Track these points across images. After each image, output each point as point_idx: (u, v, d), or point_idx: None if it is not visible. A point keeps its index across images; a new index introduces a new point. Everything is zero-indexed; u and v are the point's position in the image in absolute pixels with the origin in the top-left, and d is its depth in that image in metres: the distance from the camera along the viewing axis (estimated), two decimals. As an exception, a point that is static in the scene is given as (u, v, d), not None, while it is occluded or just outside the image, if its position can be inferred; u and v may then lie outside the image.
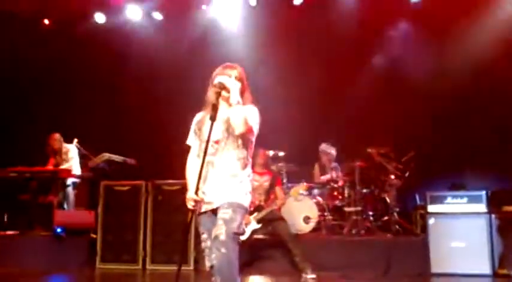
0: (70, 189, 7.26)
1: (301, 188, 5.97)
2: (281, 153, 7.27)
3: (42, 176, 7.14)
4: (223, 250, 2.85)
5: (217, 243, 2.88)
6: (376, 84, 7.82)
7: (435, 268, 5.61)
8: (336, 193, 7.05)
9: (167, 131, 7.59)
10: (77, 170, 7.40)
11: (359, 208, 6.71)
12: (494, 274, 5.46)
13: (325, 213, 6.84)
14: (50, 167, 7.39)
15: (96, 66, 8.69)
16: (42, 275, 6.00)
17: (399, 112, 7.77)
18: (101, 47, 8.53)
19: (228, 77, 3.04)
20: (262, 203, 5.89)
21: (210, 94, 3.10)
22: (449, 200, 5.82)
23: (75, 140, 7.40)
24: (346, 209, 6.84)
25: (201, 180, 2.96)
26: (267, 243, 6.03)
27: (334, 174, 7.23)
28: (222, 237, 2.87)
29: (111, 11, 8.65)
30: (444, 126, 7.63)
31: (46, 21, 8.93)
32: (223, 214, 2.94)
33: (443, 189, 6.45)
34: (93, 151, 7.32)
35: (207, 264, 2.99)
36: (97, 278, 6.11)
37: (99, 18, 8.75)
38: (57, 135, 7.42)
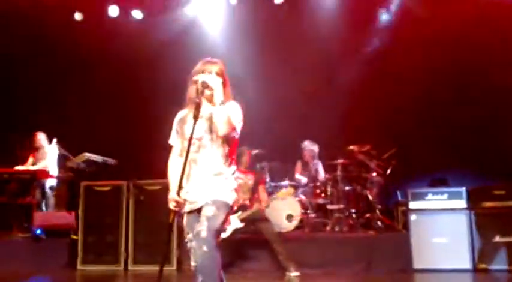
0: (49, 190, 7.17)
1: (288, 193, 5.98)
2: (264, 152, 7.27)
3: (21, 177, 7.03)
4: (204, 248, 2.81)
5: (199, 241, 2.85)
6: (358, 81, 7.85)
7: (417, 264, 5.66)
8: (318, 191, 7.07)
9: (148, 130, 7.52)
10: (55, 170, 7.30)
11: (341, 206, 6.74)
12: (475, 269, 5.54)
13: (308, 211, 6.86)
14: (28, 165, 7.29)
15: (75, 66, 8.55)
16: (22, 277, 5.87)
17: (381, 109, 7.83)
18: (79, 45, 8.38)
19: (210, 75, 3.00)
20: (246, 202, 5.87)
21: (191, 91, 3.06)
22: (430, 196, 5.87)
23: (54, 140, 7.29)
24: (329, 206, 6.86)
25: (184, 178, 2.93)
26: (250, 242, 6.02)
27: (313, 175, 7.26)
28: (204, 233, 2.84)
29: (90, 9, 8.51)
30: (425, 124, 7.70)
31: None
32: (207, 211, 2.91)
33: (425, 186, 6.52)
34: (73, 151, 7.22)
35: (192, 263, 2.96)
36: (78, 279, 6.01)
37: (78, 16, 8.60)
38: (40, 134, 7.34)
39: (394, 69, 7.82)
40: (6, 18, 8.09)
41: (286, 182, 7.16)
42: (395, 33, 7.85)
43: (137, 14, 8.66)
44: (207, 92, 2.95)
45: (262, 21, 8.29)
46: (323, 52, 8.05)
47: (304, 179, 7.35)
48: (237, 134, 3.08)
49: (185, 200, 2.98)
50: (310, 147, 7.46)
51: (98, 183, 6.44)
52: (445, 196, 5.83)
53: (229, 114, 2.92)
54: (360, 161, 6.91)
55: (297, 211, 6.57)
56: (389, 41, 7.90)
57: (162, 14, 8.48)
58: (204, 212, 2.92)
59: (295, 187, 7.15)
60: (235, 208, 5.60)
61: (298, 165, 7.52)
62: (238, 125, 3.04)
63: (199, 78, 2.98)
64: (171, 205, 2.97)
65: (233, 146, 3.09)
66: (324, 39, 8.03)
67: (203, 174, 2.99)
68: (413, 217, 5.85)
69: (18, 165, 7.29)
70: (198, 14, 8.63)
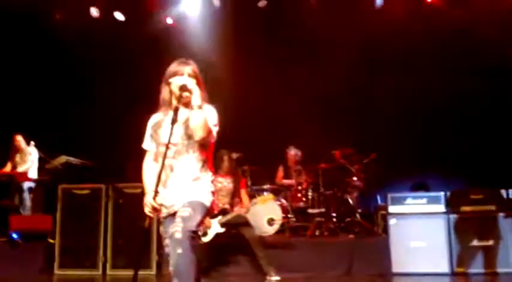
0: (26, 193, 7.04)
1: (268, 198, 5.94)
2: (244, 156, 7.24)
3: (-1, 180, 6.92)
4: (179, 250, 2.75)
5: (173, 242, 2.78)
6: (339, 85, 7.89)
7: (396, 268, 5.69)
8: (299, 195, 7.07)
9: (128, 132, 7.43)
10: (34, 173, 7.18)
11: (322, 210, 6.77)
12: (453, 273, 5.60)
13: (289, 215, 6.86)
14: (7, 169, 7.16)
15: (53, 66, 8.41)
16: (-3, 282, 5.78)
17: (362, 114, 7.88)
18: (58, 45, 8.26)
19: (187, 78, 2.95)
20: (226, 206, 5.84)
21: (165, 93, 3.02)
22: (409, 200, 5.93)
23: (32, 143, 7.18)
24: (310, 210, 6.87)
25: (161, 185, 2.88)
26: (231, 246, 5.98)
27: (295, 179, 7.26)
28: (178, 235, 2.77)
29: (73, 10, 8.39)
30: (406, 128, 7.77)
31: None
32: (182, 212, 2.85)
33: (406, 191, 6.58)
34: (50, 153, 7.13)
35: (170, 268, 2.90)
36: (55, 284, 5.93)
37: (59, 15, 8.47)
38: (20, 135, 7.22)
39: (376, 74, 7.88)
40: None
41: (267, 186, 7.15)
42: (378, 37, 7.87)
43: (119, 16, 8.56)
44: (185, 94, 2.90)
45: (246, 24, 8.27)
46: (304, 55, 8.06)
47: (291, 181, 7.32)
48: (213, 138, 3.03)
49: (161, 205, 2.93)
50: (295, 152, 7.47)
51: (76, 186, 6.36)
52: (424, 200, 5.89)
53: (206, 118, 2.87)
54: (341, 165, 6.95)
55: (278, 215, 6.54)
56: (372, 45, 7.93)
57: (144, 15, 8.40)
58: (179, 213, 2.86)
59: (277, 191, 7.15)
60: (215, 212, 5.60)
61: (280, 170, 7.52)
62: (214, 128, 2.99)
63: (177, 81, 2.93)
64: (147, 210, 2.93)
65: (209, 150, 3.05)
66: (305, 42, 8.06)
67: (180, 180, 2.94)
68: (392, 221, 5.90)
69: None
70: (182, 15, 8.57)
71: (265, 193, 6.96)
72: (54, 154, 7.09)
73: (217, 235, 5.60)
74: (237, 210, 5.75)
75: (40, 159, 7.18)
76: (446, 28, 7.66)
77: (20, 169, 7.14)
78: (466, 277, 5.55)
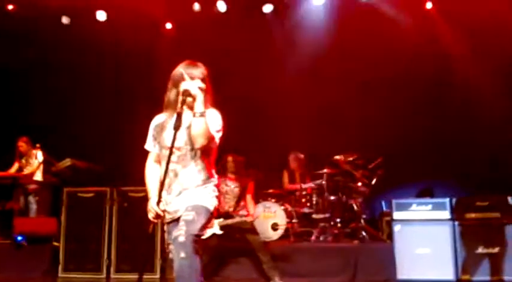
0: (32, 196, 7.05)
1: (270, 216, 5.89)
2: (249, 160, 7.22)
3: (3, 182, 6.93)
4: (182, 254, 2.73)
5: (176, 246, 2.76)
6: (343, 90, 7.88)
7: (401, 274, 5.66)
8: (304, 200, 7.06)
9: (133, 135, 7.43)
10: (39, 175, 7.20)
11: (327, 215, 6.74)
12: (458, 280, 5.56)
13: (293, 220, 6.83)
14: (12, 170, 7.19)
15: (57, 69, 8.43)
16: (2, 285, 5.79)
17: (367, 119, 7.86)
18: (61, 48, 8.28)
19: (193, 81, 2.91)
20: (230, 210, 5.82)
21: (171, 95, 2.99)
22: (414, 207, 5.90)
23: (37, 145, 7.20)
24: (314, 216, 6.86)
25: (164, 189, 2.87)
26: (235, 251, 5.98)
27: (300, 184, 7.24)
28: (181, 238, 2.75)
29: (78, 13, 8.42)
30: (411, 134, 7.74)
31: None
32: (186, 216, 2.84)
33: (411, 197, 6.55)
34: (56, 156, 7.14)
35: (174, 273, 2.89)
36: (59, 287, 5.94)
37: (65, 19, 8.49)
38: (25, 139, 7.23)
39: (381, 79, 7.87)
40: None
41: (271, 191, 7.15)
42: (382, 44, 7.86)
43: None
44: (188, 99, 2.87)
45: (251, 30, 8.27)
46: (309, 61, 8.05)
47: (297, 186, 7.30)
48: (215, 144, 3.00)
49: (165, 211, 2.92)
50: (297, 156, 7.46)
51: (81, 189, 6.37)
52: (429, 207, 5.86)
53: (207, 125, 2.83)
54: (346, 170, 6.92)
55: (282, 220, 6.54)
56: (375, 51, 7.92)
57: (151, 20, 8.40)
58: (183, 217, 2.85)
59: (282, 197, 7.13)
60: (219, 213, 5.58)
61: (285, 175, 7.50)
62: (217, 134, 2.96)
63: (182, 85, 2.90)
64: (150, 216, 2.91)
65: (213, 155, 3.04)
66: (310, 49, 8.05)
67: (184, 186, 2.93)
68: (397, 227, 5.87)
69: (2, 170, 7.18)
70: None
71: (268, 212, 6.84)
72: (60, 157, 7.10)
73: (217, 237, 5.52)
74: (240, 218, 5.71)
75: (46, 162, 7.20)
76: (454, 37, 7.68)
77: (26, 172, 7.16)
78: (471, 284, 5.51)
